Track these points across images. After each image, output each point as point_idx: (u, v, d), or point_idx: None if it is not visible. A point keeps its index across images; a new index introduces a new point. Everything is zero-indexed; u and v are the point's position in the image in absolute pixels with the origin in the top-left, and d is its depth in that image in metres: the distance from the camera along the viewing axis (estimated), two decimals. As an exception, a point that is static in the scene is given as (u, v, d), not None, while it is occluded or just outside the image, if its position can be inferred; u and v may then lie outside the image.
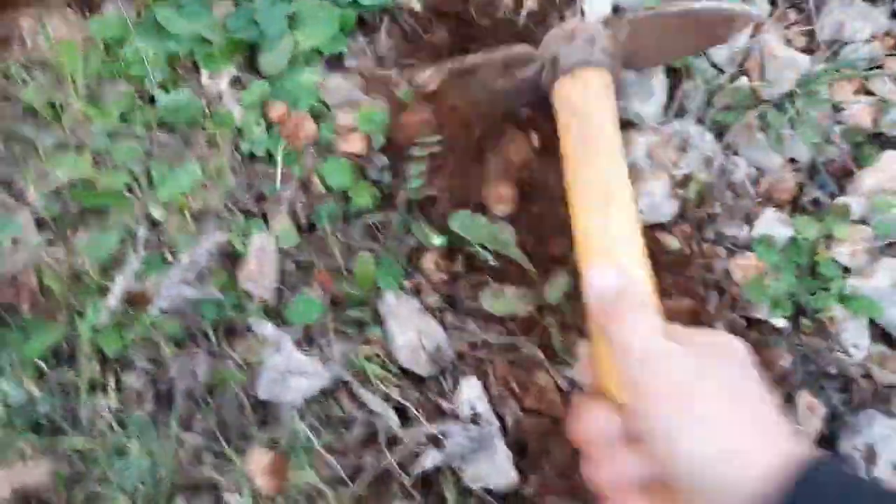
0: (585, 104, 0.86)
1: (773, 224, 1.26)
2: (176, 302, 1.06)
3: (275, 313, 1.10)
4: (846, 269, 1.24)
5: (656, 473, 0.55)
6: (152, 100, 1.14)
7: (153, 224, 1.10)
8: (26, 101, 1.10)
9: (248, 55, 1.21)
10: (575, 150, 0.80)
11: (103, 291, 1.06)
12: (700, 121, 1.29)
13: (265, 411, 1.07)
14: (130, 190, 1.10)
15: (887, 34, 1.37)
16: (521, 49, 0.99)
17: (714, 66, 1.32)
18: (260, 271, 1.09)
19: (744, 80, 1.30)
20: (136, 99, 1.13)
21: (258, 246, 1.10)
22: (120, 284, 1.05)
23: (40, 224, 1.08)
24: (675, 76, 1.31)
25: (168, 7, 1.15)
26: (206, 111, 1.15)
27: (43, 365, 1.04)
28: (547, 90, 0.96)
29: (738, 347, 0.58)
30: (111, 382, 1.05)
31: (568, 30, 0.96)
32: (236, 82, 1.19)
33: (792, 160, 1.31)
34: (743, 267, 1.22)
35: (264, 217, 1.14)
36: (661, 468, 0.54)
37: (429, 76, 1.00)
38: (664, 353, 0.56)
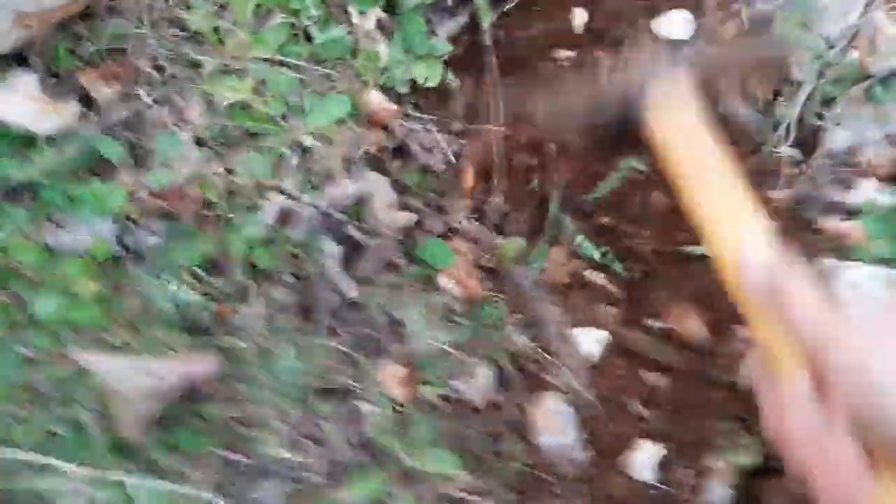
0: (682, 129, 0.79)
1: (870, 193, 1.32)
2: (319, 225, 1.14)
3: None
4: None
5: (846, 416, 0.54)
6: (307, 34, 1.21)
7: (304, 150, 1.17)
8: (193, 26, 1.17)
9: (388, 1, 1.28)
10: (687, 176, 0.76)
11: (257, 208, 1.13)
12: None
13: (400, 328, 1.15)
14: (284, 117, 1.18)
15: None
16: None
17: (826, 40, 1.38)
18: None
19: (853, 54, 1.36)
20: (292, 32, 1.20)
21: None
22: (275, 203, 1.13)
23: (200, 143, 1.16)
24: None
25: (325, -54, 1.22)
26: (355, 48, 1.22)
27: (200, 271, 1.11)
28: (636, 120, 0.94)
29: None
30: (260, 293, 1.13)
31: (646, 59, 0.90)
32: (379, 24, 1.25)
33: (889, 135, 1.37)
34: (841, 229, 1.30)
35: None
36: (852, 408, 0.53)
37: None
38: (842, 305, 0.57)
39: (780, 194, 1.33)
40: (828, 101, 1.36)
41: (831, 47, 1.38)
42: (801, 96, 1.36)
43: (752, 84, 1.24)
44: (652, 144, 0.84)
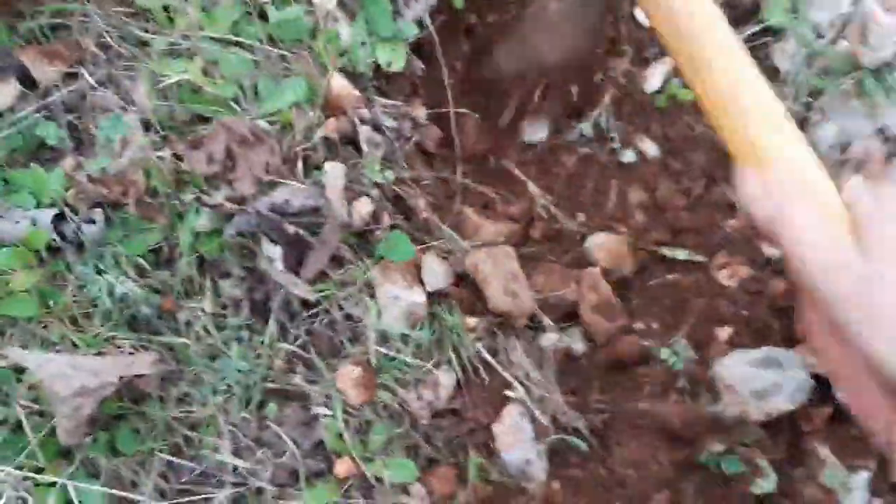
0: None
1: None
2: (271, 216, 1.07)
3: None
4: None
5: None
6: (262, 14, 1.15)
7: (255, 137, 1.10)
8: (141, 3, 1.10)
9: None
10: (687, 58, 0.67)
11: (204, 196, 1.07)
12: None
13: (355, 326, 1.08)
14: (236, 100, 1.11)
15: None
16: None
17: (814, 28, 1.31)
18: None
19: (843, 44, 1.29)
20: (246, 10, 1.14)
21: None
22: (222, 191, 1.06)
23: (146, 126, 1.09)
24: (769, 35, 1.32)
25: (283, -80, 1.15)
26: (314, 29, 1.15)
27: (144, 263, 1.05)
28: None
29: None
30: (208, 287, 1.07)
31: None
32: (341, 3, 1.19)
33: (881, 130, 1.31)
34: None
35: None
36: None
37: None
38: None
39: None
40: (815, 93, 1.30)
41: (820, 36, 1.32)
42: (788, 87, 1.30)
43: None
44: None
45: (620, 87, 1.34)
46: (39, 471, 1.00)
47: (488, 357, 1.11)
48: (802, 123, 1.28)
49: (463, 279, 1.15)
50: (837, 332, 0.53)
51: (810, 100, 1.29)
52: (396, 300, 1.08)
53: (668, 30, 0.69)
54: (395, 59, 1.20)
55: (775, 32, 1.32)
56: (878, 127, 1.31)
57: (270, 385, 1.06)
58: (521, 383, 1.10)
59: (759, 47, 1.33)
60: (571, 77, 1.31)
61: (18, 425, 1.01)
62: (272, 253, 1.05)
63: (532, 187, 1.29)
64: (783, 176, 0.59)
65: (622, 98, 1.34)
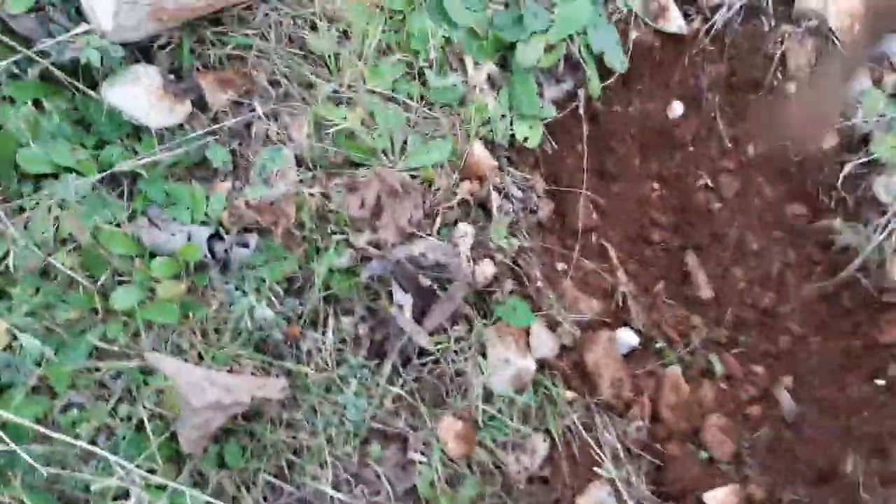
0: None
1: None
2: (407, 266, 1.13)
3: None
4: None
5: None
6: (421, 75, 1.22)
7: (405, 189, 1.17)
8: (314, 49, 1.18)
9: (503, 55, 1.29)
10: None
11: (349, 237, 1.13)
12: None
13: (463, 381, 1.14)
14: (385, 152, 1.18)
15: None
16: None
17: None
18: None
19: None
20: (407, 71, 1.21)
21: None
22: (366, 234, 1.12)
23: (300, 163, 1.16)
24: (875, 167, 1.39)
25: (454, -4, 1.23)
26: (464, 98, 1.23)
27: (280, 290, 1.11)
28: None
29: None
30: (332, 321, 1.12)
31: None
32: (490, 78, 1.26)
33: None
34: None
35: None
36: None
37: None
38: None
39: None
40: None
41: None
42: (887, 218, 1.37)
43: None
44: None
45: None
46: (152, 472, 1.04)
47: (583, 432, 1.16)
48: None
49: (566, 350, 1.21)
50: None
51: None
52: (507, 363, 1.14)
53: None
54: (532, 135, 1.27)
55: (880, 165, 1.39)
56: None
57: (376, 425, 1.11)
58: (611, 462, 1.15)
59: (863, 176, 1.40)
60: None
61: (140, 425, 1.05)
62: (402, 300, 1.11)
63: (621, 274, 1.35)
64: None
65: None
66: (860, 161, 1.39)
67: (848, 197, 1.39)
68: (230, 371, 1.06)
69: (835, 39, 1.40)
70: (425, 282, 1.11)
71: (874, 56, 1.42)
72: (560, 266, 1.33)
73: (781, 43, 1.40)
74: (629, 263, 1.36)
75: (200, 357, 1.08)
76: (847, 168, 1.36)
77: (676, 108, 1.43)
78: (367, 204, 1.11)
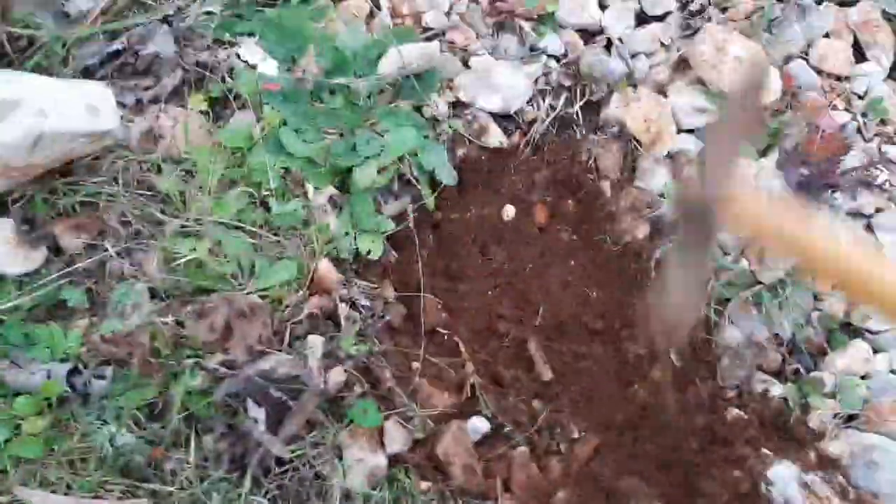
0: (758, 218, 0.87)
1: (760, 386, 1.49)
2: (259, 382, 1.23)
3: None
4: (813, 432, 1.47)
5: None
6: (264, 203, 1.35)
7: (251, 310, 1.27)
8: (162, 190, 1.29)
9: (342, 178, 1.43)
10: (794, 250, 0.83)
11: (202, 360, 1.22)
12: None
13: (322, 484, 1.22)
14: (234, 277, 1.29)
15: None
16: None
17: (722, 247, 1.57)
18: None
19: (744, 263, 1.55)
20: (251, 200, 1.33)
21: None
22: (217, 356, 1.21)
23: (153, 294, 1.25)
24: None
25: (289, 130, 1.37)
26: (307, 220, 1.35)
27: (141, 416, 1.18)
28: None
29: None
30: (193, 440, 1.20)
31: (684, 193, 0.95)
32: (331, 199, 1.40)
33: (777, 335, 1.56)
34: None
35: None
36: None
37: None
38: None
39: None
40: (722, 302, 1.54)
41: (726, 254, 1.58)
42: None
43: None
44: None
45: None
46: None
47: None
48: (713, 327, 1.52)
49: (420, 444, 1.31)
50: None
51: (719, 307, 1.53)
52: (360, 462, 1.23)
53: (766, 239, 0.87)
54: (374, 248, 1.40)
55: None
56: (773, 333, 1.55)
57: (243, 537, 1.18)
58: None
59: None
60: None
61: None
62: (257, 414, 1.20)
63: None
64: None
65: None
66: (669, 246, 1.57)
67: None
68: (96, 497, 1.12)
69: (635, 141, 1.60)
70: (277, 395, 1.20)
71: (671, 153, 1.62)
72: (415, 365, 1.44)
73: (590, 151, 1.59)
74: (479, 355, 1.48)
75: (69, 487, 1.14)
76: (657, 253, 1.54)
77: (509, 211, 1.59)
78: (216, 327, 1.21)
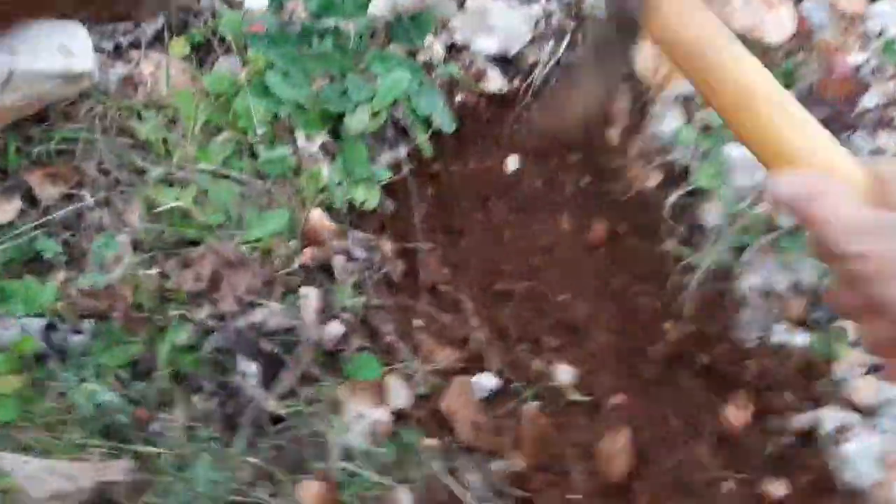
0: (678, 29, 0.73)
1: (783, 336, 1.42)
2: (249, 334, 1.15)
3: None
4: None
5: None
6: (251, 150, 1.27)
7: (240, 260, 1.20)
8: (143, 137, 1.21)
9: (334, 125, 1.35)
10: (699, 75, 0.70)
11: (188, 312, 1.14)
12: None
13: (321, 442, 1.15)
14: (222, 227, 1.21)
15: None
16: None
17: (737, 192, 1.49)
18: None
19: (761, 207, 1.47)
20: (238, 147, 1.26)
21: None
22: (205, 308, 1.14)
23: (137, 246, 1.18)
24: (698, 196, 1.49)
25: (276, 74, 1.29)
26: (297, 168, 1.28)
27: (123, 374, 1.11)
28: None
29: None
30: (182, 399, 1.13)
31: None
32: (324, 147, 1.32)
33: (797, 284, 1.47)
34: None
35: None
36: None
37: None
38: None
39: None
40: (738, 250, 1.46)
41: (742, 199, 1.50)
42: (712, 241, 1.46)
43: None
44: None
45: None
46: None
47: (446, 478, 1.17)
48: (728, 274, 1.44)
49: (424, 399, 1.23)
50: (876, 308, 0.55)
51: (735, 257, 1.45)
52: (361, 418, 1.16)
53: (678, 53, 0.78)
54: (369, 198, 1.32)
55: (703, 193, 1.49)
56: (794, 280, 1.47)
57: (235, 498, 1.10)
58: (475, 502, 1.16)
59: (689, 206, 1.50)
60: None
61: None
62: (248, 368, 1.12)
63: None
64: (817, 171, 0.62)
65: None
66: (684, 192, 1.49)
67: (677, 226, 1.48)
68: (76, 460, 1.05)
69: (643, 84, 1.52)
70: (269, 348, 1.13)
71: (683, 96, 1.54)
72: (416, 322, 1.36)
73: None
74: (483, 311, 1.41)
75: (47, 451, 1.07)
76: (671, 198, 1.46)
77: (511, 163, 1.51)
78: (203, 277, 1.13)
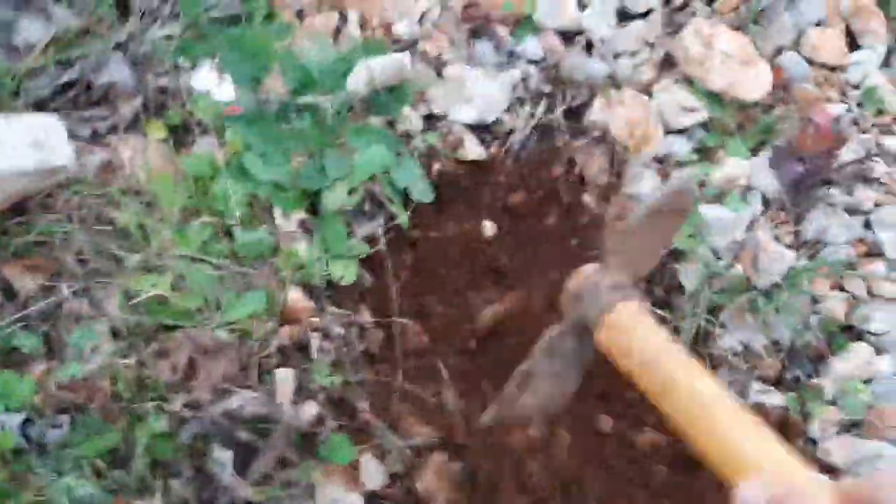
0: (631, 341, 0.84)
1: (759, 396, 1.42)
2: (224, 423, 1.17)
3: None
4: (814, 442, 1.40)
5: None
6: (229, 233, 1.29)
7: (216, 346, 1.22)
8: (121, 224, 1.24)
9: (312, 202, 1.37)
10: (652, 383, 0.79)
11: (164, 402, 1.16)
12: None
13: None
14: (200, 311, 1.23)
15: (861, 241, 1.57)
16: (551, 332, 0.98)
17: (714, 252, 1.50)
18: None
19: (738, 268, 1.48)
20: (215, 231, 1.28)
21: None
22: (181, 397, 1.16)
23: (115, 334, 1.20)
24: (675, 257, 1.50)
25: (254, 155, 1.32)
26: (275, 247, 1.29)
27: (102, 464, 1.13)
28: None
29: None
30: (159, 487, 1.15)
31: (572, 292, 0.96)
32: (302, 224, 1.34)
33: (775, 342, 1.48)
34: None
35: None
36: None
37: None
38: None
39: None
40: (716, 309, 1.47)
41: (719, 259, 1.51)
42: (690, 303, 1.47)
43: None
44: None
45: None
46: None
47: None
48: (706, 335, 1.45)
49: (397, 478, 1.25)
50: None
51: (711, 316, 1.46)
52: (335, 502, 1.17)
53: (632, 367, 0.83)
54: (347, 273, 1.34)
55: (680, 254, 1.50)
56: (771, 340, 1.48)
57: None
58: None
59: (666, 267, 1.51)
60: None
61: None
62: (223, 457, 1.14)
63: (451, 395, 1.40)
64: (774, 479, 0.66)
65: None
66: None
67: (656, 288, 1.50)
68: (54, 555, 1.07)
69: (619, 146, 1.53)
70: (243, 435, 1.15)
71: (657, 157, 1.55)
72: (395, 394, 1.38)
73: (573, 158, 1.53)
74: (460, 380, 1.42)
75: (28, 544, 1.09)
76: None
77: (488, 228, 1.52)
78: (178, 367, 1.15)
